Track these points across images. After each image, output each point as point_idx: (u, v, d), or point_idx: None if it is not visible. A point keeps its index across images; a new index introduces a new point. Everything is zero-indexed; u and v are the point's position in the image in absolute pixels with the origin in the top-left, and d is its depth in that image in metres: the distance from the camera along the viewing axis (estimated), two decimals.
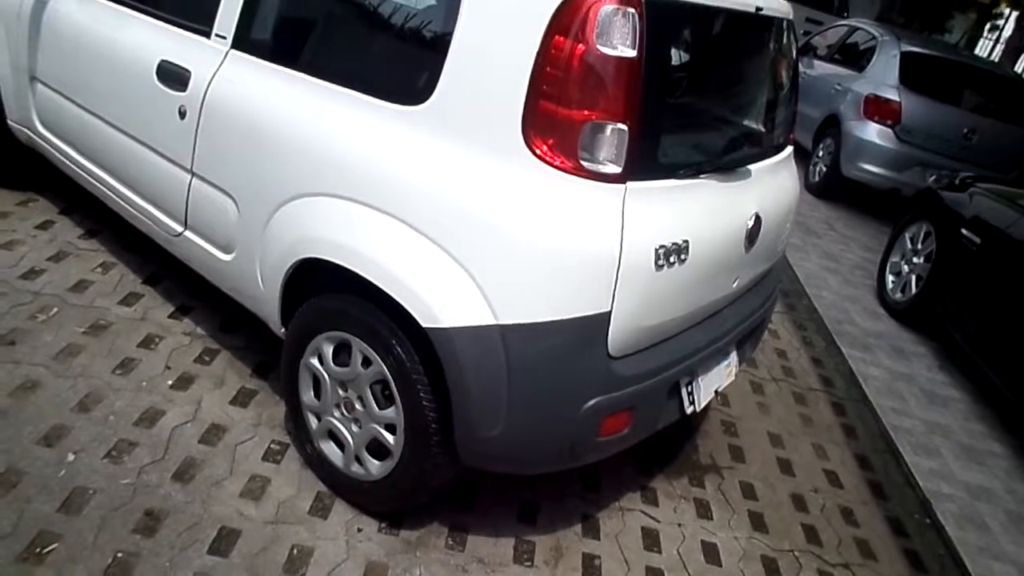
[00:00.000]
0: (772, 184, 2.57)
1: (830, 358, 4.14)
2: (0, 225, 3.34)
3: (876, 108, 6.68)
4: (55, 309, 2.89)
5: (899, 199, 6.47)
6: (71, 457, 2.28)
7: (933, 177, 5.14)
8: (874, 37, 7.47)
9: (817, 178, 7.21)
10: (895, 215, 5.29)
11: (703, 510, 2.75)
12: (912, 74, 6.79)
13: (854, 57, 7.54)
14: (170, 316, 3.01)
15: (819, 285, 5.02)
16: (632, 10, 1.85)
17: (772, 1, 2.47)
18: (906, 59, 6.87)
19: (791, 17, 2.65)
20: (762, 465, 3.09)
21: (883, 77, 6.86)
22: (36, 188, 3.65)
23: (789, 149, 2.82)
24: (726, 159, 2.36)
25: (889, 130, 6.65)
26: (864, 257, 5.82)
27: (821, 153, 7.24)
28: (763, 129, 2.62)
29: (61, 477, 2.21)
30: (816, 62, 8.01)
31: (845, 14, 11.96)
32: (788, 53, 2.70)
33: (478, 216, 1.91)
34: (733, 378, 2.66)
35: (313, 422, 2.38)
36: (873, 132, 6.66)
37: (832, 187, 7.04)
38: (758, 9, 2.34)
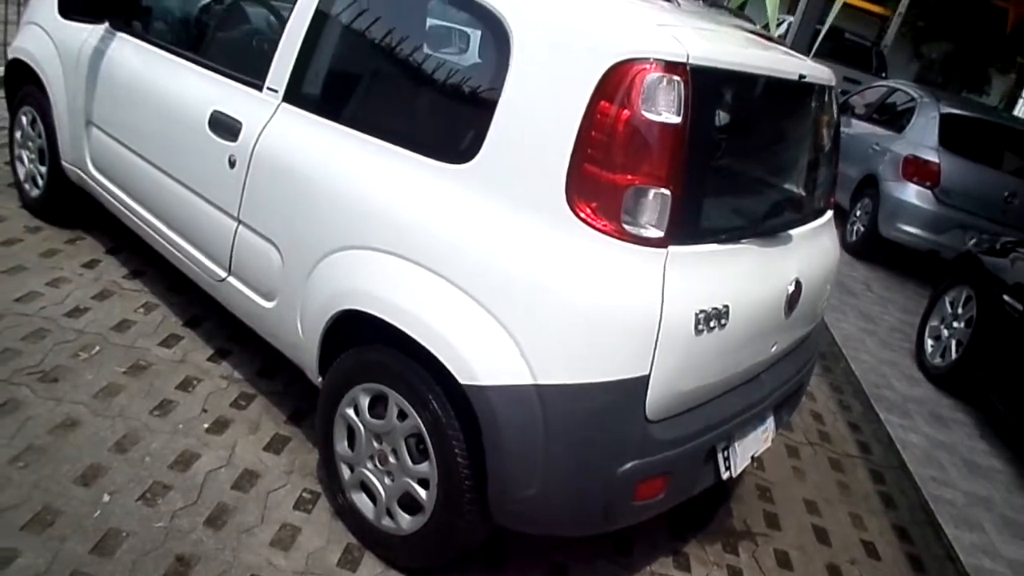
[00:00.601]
0: (813, 249, 2.56)
1: (868, 423, 4.07)
2: (49, 262, 3.43)
3: (915, 169, 6.65)
4: (97, 348, 2.94)
5: (938, 261, 6.40)
6: (107, 498, 2.30)
7: (973, 240, 5.08)
8: (913, 98, 7.47)
9: (855, 238, 7.16)
10: (934, 277, 5.23)
11: None
12: (952, 135, 6.76)
13: (893, 117, 7.53)
14: (209, 359, 3.05)
15: (857, 347, 4.95)
16: (677, 77, 1.88)
17: (815, 68, 2.49)
18: (945, 120, 6.85)
19: (833, 83, 2.67)
20: (797, 533, 3.02)
21: (922, 138, 6.84)
22: (84, 227, 3.75)
23: (829, 213, 2.82)
24: (767, 224, 2.36)
25: (928, 192, 6.60)
26: (902, 319, 5.73)
27: (859, 213, 7.19)
28: (804, 194, 2.62)
29: (96, 518, 2.23)
30: (854, 121, 8.01)
31: (884, 74, 12.01)
32: (830, 119, 2.71)
33: (519, 275, 1.92)
34: (770, 444, 2.62)
35: (346, 473, 2.38)
36: (912, 193, 6.62)
37: (870, 247, 6.98)
38: (801, 76, 2.36)
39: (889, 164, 6.86)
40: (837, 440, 3.81)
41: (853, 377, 4.50)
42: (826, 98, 2.64)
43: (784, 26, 10.61)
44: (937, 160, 6.58)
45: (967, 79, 16.06)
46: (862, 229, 7.08)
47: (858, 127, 7.84)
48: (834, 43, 10.65)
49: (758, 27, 6.72)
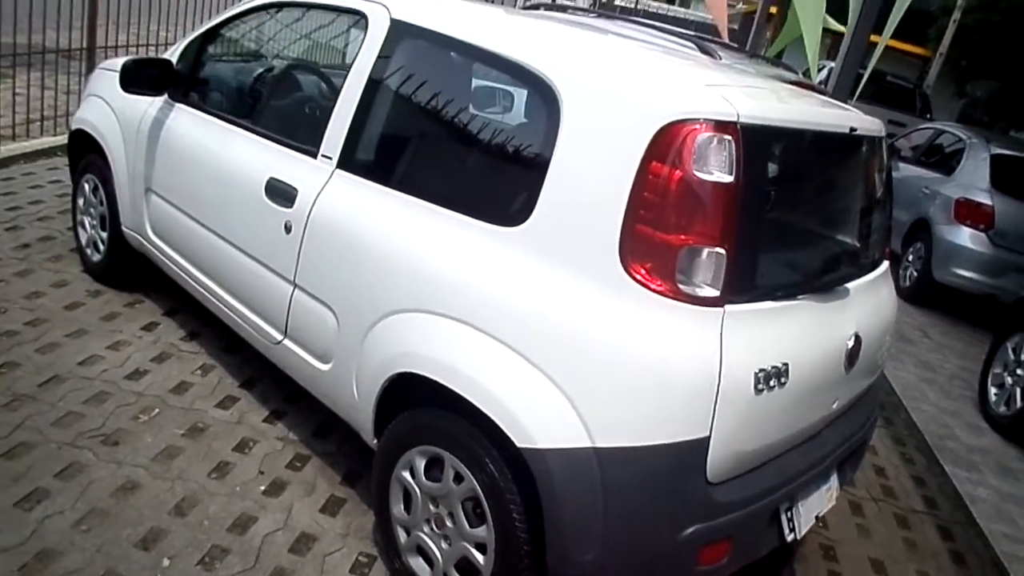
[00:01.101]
0: (871, 302, 2.52)
1: (933, 477, 3.93)
2: (109, 326, 3.52)
3: (968, 212, 6.53)
4: (156, 410, 3.00)
5: (996, 305, 6.23)
6: (166, 562, 2.32)
7: None
8: (961, 139, 7.38)
9: (908, 283, 7.02)
10: (993, 322, 5.08)
11: None
12: (1003, 176, 6.65)
13: (941, 160, 7.44)
14: (264, 420, 3.08)
15: (917, 397, 4.81)
16: (728, 136, 1.88)
17: (865, 120, 2.48)
18: (996, 161, 6.75)
19: (883, 134, 2.65)
20: None
21: (973, 180, 6.73)
22: (144, 290, 3.85)
23: (885, 264, 2.77)
24: (824, 279, 2.32)
25: (982, 234, 6.47)
26: (962, 366, 5.57)
27: (911, 257, 7.06)
28: (859, 246, 2.58)
29: None
30: (902, 164, 7.92)
31: (928, 116, 11.88)
32: (881, 170, 2.69)
33: (575, 337, 1.92)
34: (834, 503, 2.55)
35: (402, 536, 2.36)
36: (966, 236, 6.49)
37: (925, 292, 6.83)
38: (852, 129, 2.35)
39: (940, 207, 6.75)
40: (901, 495, 3.68)
41: (915, 428, 4.37)
42: (877, 149, 2.62)
43: (824, 72, 10.60)
44: (990, 202, 6.46)
45: (1014, 117, 15.78)
46: (915, 274, 6.95)
47: (906, 170, 7.75)
48: (876, 86, 10.60)
49: (799, 74, 6.73)
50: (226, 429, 2.98)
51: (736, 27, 12.70)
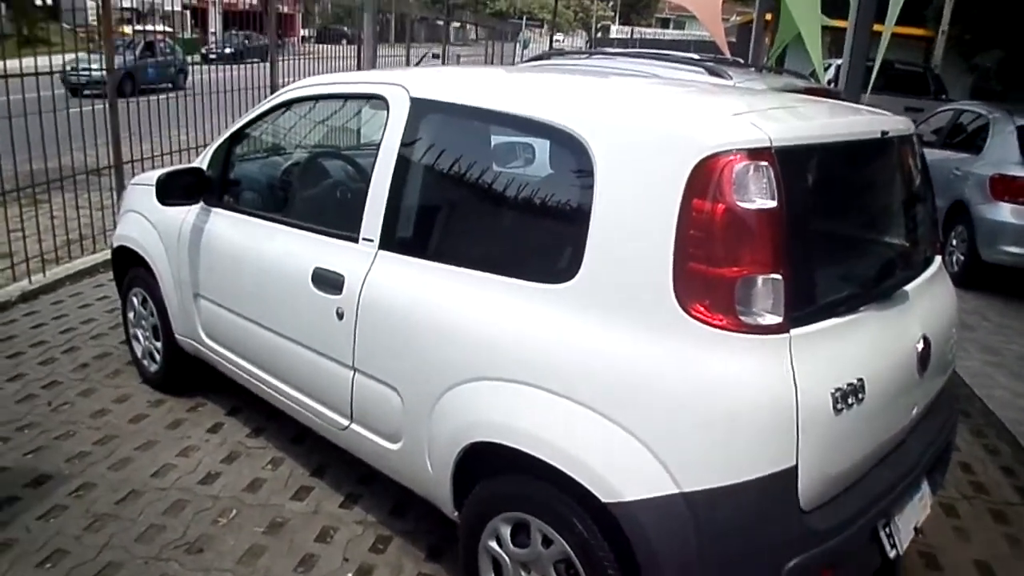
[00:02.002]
0: (932, 301, 2.48)
1: (1021, 465, 3.80)
2: (176, 433, 3.57)
3: (1004, 187, 6.43)
4: (234, 511, 3.02)
5: None
6: None
7: None
8: (983, 116, 7.29)
9: (956, 268, 6.88)
10: None
11: None
12: None
13: (967, 139, 7.35)
14: (341, 506, 3.09)
15: (988, 384, 4.69)
16: (764, 163, 1.88)
17: (895, 121, 2.47)
18: None
19: (913, 131, 2.63)
20: None
21: (1004, 155, 6.63)
22: (204, 392, 3.91)
23: (938, 259, 2.73)
24: (883, 286, 2.29)
25: (1023, 207, 6.35)
26: None
27: (955, 242, 6.94)
28: (911, 246, 2.55)
29: None
30: (927, 151, 7.81)
31: (944, 96, 11.77)
32: (917, 166, 2.66)
33: (646, 385, 1.90)
34: (929, 511, 2.48)
35: None
36: (1007, 212, 6.38)
37: (974, 275, 6.69)
38: (884, 133, 2.34)
39: (975, 187, 6.65)
40: (993, 489, 3.56)
41: (993, 417, 4.25)
42: (910, 147, 2.60)
43: (832, 70, 10.58)
44: None
45: None
46: (962, 258, 6.82)
47: (933, 155, 7.60)
48: (887, 75, 10.52)
49: (808, 78, 6.73)
50: (305, 520, 2.99)
51: (734, 39, 12.76)
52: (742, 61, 7.79)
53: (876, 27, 6.28)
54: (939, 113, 8.42)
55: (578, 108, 2.21)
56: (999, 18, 14.40)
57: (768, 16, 10.18)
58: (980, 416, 4.30)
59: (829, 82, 9.41)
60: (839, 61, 8.49)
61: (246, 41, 10.91)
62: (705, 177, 1.88)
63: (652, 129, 2.04)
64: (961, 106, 8.09)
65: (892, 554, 2.22)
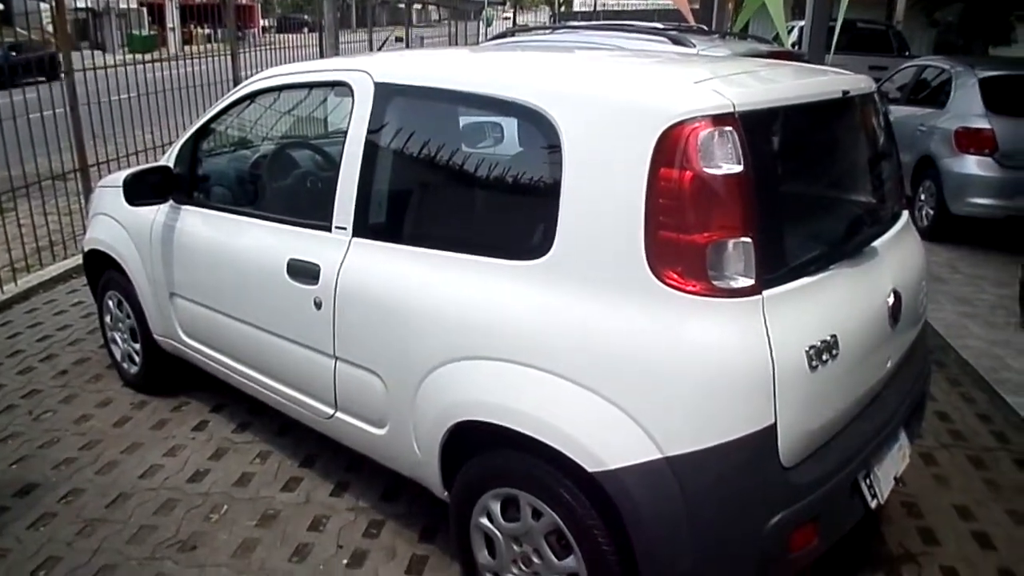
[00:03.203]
0: (900, 255, 2.52)
1: (996, 411, 3.89)
2: (161, 433, 3.57)
3: (969, 140, 6.51)
4: (225, 507, 3.03)
5: (1019, 225, 6.17)
6: None
7: None
8: (945, 70, 7.36)
9: (926, 222, 6.97)
10: (1020, 244, 5.03)
11: None
12: (996, 98, 6.63)
13: (931, 94, 7.42)
14: (331, 494, 3.10)
15: (961, 335, 4.77)
16: (729, 128, 1.90)
17: (855, 80, 2.49)
18: (986, 85, 6.73)
19: (874, 88, 2.66)
20: (958, 544, 2.87)
21: (968, 108, 6.71)
22: (186, 391, 3.90)
23: (905, 214, 2.78)
24: (852, 243, 2.33)
25: (988, 159, 6.45)
26: (1000, 295, 5.52)
27: (923, 196, 7.03)
28: (878, 202, 2.59)
29: None
30: (892, 107, 7.90)
31: (907, 53, 11.84)
32: (880, 123, 2.69)
33: (623, 354, 1.93)
34: (908, 460, 2.54)
35: None
36: (972, 164, 6.47)
37: (943, 228, 6.78)
38: (845, 92, 2.37)
39: (941, 141, 6.73)
40: (970, 436, 3.64)
41: (968, 366, 4.33)
42: (872, 104, 2.63)
43: (795, 32, 10.62)
44: (989, 126, 6.44)
45: (989, 35, 15.69)
46: (931, 212, 6.91)
47: (898, 112, 7.72)
48: (849, 35, 10.56)
49: (771, 41, 6.76)
50: (296, 511, 3.00)
51: (698, 6, 12.77)
52: (706, 28, 7.81)
53: None
54: (902, 70, 8.49)
55: (542, 84, 2.21)
56: None
57: None
58: (955, 366, 4.39)
59: (793, 45, 9.45)
60: (802, 23, 8.52)
61: (13, 54, 8.62)
62: (671, 146, 1.90)
63: (616, 101, 2.05)
64: (924, 62, 8.15)
65: (873, 504, 2.28)
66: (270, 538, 2.85)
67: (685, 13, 8.69)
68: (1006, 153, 6.37)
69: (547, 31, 6.35)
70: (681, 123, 1.90)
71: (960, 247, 6.76)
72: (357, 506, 3.03)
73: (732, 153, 1.89)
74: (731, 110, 1.91)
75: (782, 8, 6.54)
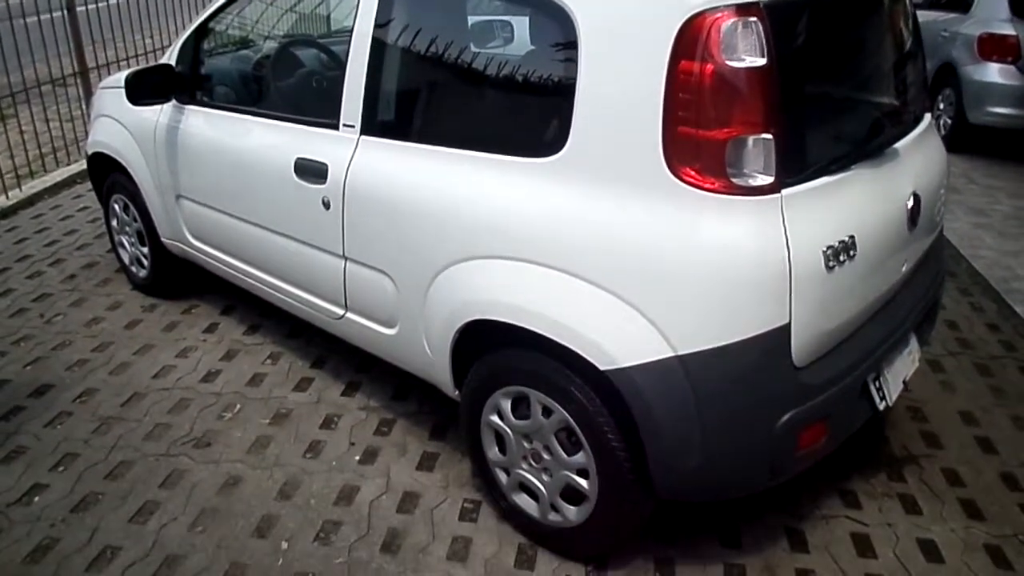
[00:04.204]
0: (921, 158, 2.46)
1: (1005, 320, 3.89)
2: (172, 335, 3.59)
3: (992, 47, 6.30)
4: (238, 406, 3.07)
5: None
6: (285, 545, 2.40)
7: None
8: None
9: (944, 131, 6.82)
10: None
11: (910, 505, 2.61)
12: (1023, 5, 6.37)
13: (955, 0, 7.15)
14: (343, 394, 3.15)
15: (974, 245, 4.73)
16: (753, 18, 1.82)
17: None
18: None
19: None
20: (961, 448, 2.91)
21: (993, 13, 6.47)
22: (197, 294, 3.91)
23: (928, 117, 2.70)
24: (873, 144, 2.27)
25: (1011, 67, 6.26)
26: (1015, 206, 5.45)
27: (942, 105, 6.86)
28: (901, 104, 2.51)
29: (280, 566, 2.33)
30: (917, 11, 7.62)
31: None
32: (908, 22, 2.59)
33: (638, 252, 1.90)
34: (918, 364, 2.54)
35: (503, 477, 2.42)
36: (994, 72, 6.28)
37: (961, 138, 6.64)
38: None
39: (963, 48, 6.52)
40: (978, 344, 3.65)
41: (979, 276, 4.31)
42: (901, 3, 2.52)
43: None
44: (1014, 32, 6.23)
45: None
46: (949, 121, 6.76)
47: (921, 16, 7.42)
48: None
49: None
50: (309, 410, 3.04)
51: None
52: None
53: None
54: None
55: None
56: None
57: None
58: (966, 276, 4.37)
59: None
60: None
61: None
62: (692, 37, 1.83)
63: None
64: None
65: (882, 406, 2.29)
66: (283, 435, 2.90)
67: None
68: None
69: None
70: (703, 13, 1.82)
71: (976, 158, 6.64)
72: (368, 405, 3.07)
73: (756, 45, 1.82)
74: (757, 0, 1.83)
75: None
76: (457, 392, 2.48)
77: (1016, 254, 4.64)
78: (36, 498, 2.58)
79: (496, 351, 2.29)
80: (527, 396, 2.23)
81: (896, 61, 2.52)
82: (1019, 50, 6.22)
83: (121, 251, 4.06)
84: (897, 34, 2.53)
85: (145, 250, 3.85)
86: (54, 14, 5.88)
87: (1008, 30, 6.27)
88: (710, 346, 1.88)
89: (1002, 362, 3.52)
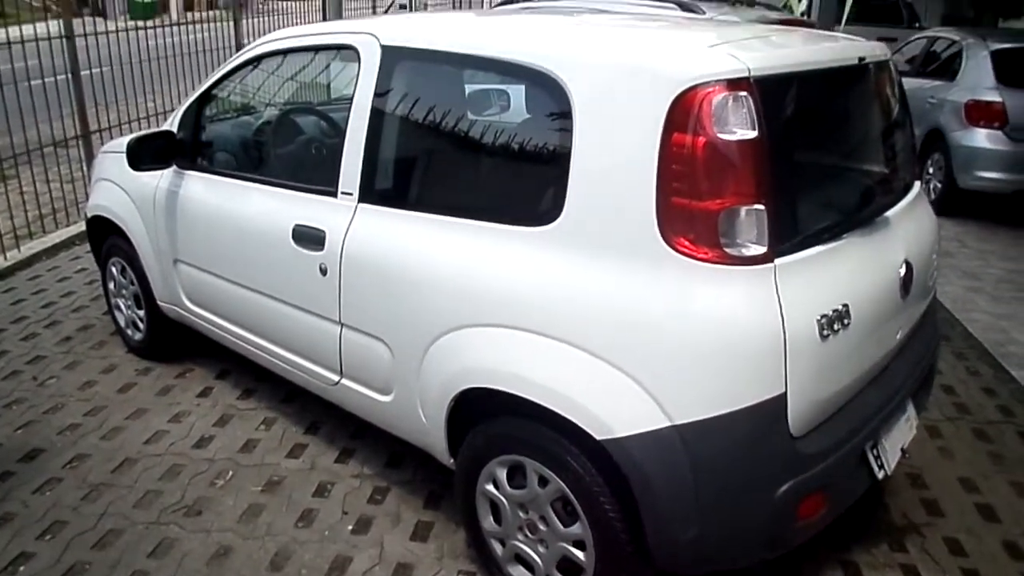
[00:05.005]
0: (913, 226, 2.50)
1: (1002, 384, 3.88)
2: (166, 399, 3.57)
3: (979, 113, 6.44)
4: (230, 472, 3.03)
5: None
6: None
7: None
8: (955, 42, 7.27)
9: (933, 195, 6.92)
10: None
11: None
12: (1007, 71, 6.56)
13: (941, 66, 7.33)
14: (336, 461, 3.11)
15: (968, 308, 4.75)
16: (743, 93, 1.87)
17: (871, 47, 2.45)
18: (998, 57, 6.65)
19: (889, 57, 2.61)
20: (962, 515, 2.88)
21: (978, 80, 6.63)
22: (190, 358, 3.90)
23: (918, 184, 2.75)
24: (864, 212, 2.30)
25: (998, 132, 6.39)
26: (1007, 269, 5.50)
27: (931, 169, 6.97)
28: (891, 172, 2.55)
29: None
30: (903, 79, 7.80)
31: (917, 24, 11.70)
32: (895, 91, 2.66)
33: (633, 321, 1.91)
34: (915, 432, 2.53)
35: (498, 548, 2.38)
36: (982, 138, 6.41)
37: (951, 202, 6.73)
38: (861, 59, 2.33)
39: (951, 114, 6.66)
40: (975, 409, 3.64)
41: (973, 340, 4.32)
42: (888, 73, 2.59)
43: (804, 2, 10.47)
44: (1000, 99, 6.37)
45: (1000, 8, 15.50)
46: (939, 185, 6.85)
47: (908, 84, 7.54)
48: (859, 6, 10.44)
49: (781, 10, 6.66)
50: (302, 477, 3.00)
51: None
52: None
53: None
54: (913, 41, 8.38)
55: (553, 47, 2.17)
56: None
57: None
58: (961, 340, 4.38)
59: (802, 14, 9.32)
60: None
61: None
62: (684, 110, 1.87)
63: (628, 65, 2.01)
64: (934, 33, 8.05)
65: (880, 475, 2.28)
66: (276, 504, 2.85)
67: None
68: (1016, 127, 6.31)
69: None
70: (695, 87, 1.86)
71: (967, 221, 6.71)
72: (362, 473, 3.04)
73: (747, 119, 1.86)
74: (746, 75, 1.88)
75: None
76: (452, 460, 2.45)
77: (1010, 317, 4.66)
78: (22, 567, 2.53)
79: (492, 419, 2.28)
80: (523, 465, 2.21)
81: (885, 130, 2.58)
82: (1005, 116, 6.35)
83: (117, 314, 4.06)
84: (884, 103, 2.59)
85: (141, 313, 3.85)
86: (58, 77, 5.98)
87: (994, 96, 6.42)
88: (707, 415, 1.87)
89: (1000, 427, 3.50)
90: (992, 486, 3.06)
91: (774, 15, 5.08)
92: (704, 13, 4.29)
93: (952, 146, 6.59)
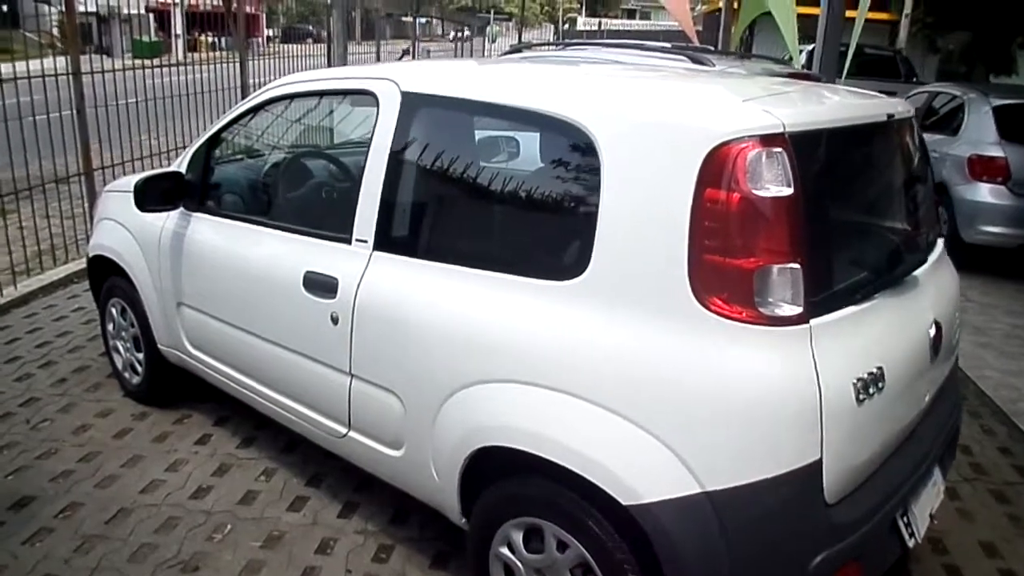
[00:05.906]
0: (939, 285, 2.45)
1: (1017, 444, 3.81)
2: (163, 447, 3.46)
3: (982, 168, 6.49)
4: (229, 526, 2.92)
5: None
6: None
7: None
8: (957, 97, 7.34)
9: None
10: None
11: None
12: (1010, 126, 6.62)
13: (943, 121, 7.39)
14: (339, 516, 3.00)
15: (978, 365, 4.70)
16: (779, 149, 1.83)
17: (897, 104, 2.43)
18: (1000, 113, 6.72)
19: (913, 112, 2.60)
20: None
21: (981, 135, 6.69)
22: (188, 403, 3.79)
23: (941, 242, 2.71)
24: (896, 272, 2.25)
25: (1001, 187, 6.43)
26: (1013, 324, 5.47)
27: None
28: (918, 230, 2.52)
29: None
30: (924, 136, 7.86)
31: (915, 79, 11.86)
32: (918, 149, 2.63)
33: (663, 382, 1.84)
34: (942, 496, 2.45)
35: None
36: (985, 192, 6.45)
37: (955, 256, 6.60)
38: (890, 116, 2.31)
39: (954, 168, 6.69)
40: (992, 470, 3.56)
41: (986, 398, 4.26)
42: (912, 129, 2.56)
43: (803, 56, 10.61)
44: (1002, 154, 6.43)
45: (991, 64, 15.78)
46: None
47: None
48: (858, 60, 10.58)
49: (785, 61, 6.71)
50: (303, 532, 2.89)
51: (701, 28, 12.82)
52: (712, 48, 7.78)
53: (848, 13, 6.31)
54: (913, 96, 8.47)
55: (581, 98, 2.13)
56: (961, 1, 14.58)
57: (736, 3, 10.22)
58: (974, 397, 4.31)
59: (802, 67, 9.42)
60: (811, 47, 8.51)
61: None
62: (718, 166, 1.82)
63: (660, 118, 1.97)
64: (936, 88, 8.15)
65: (911, 543, 2.19)
66: (276, 560, 2.74)
67: (690, 33, 8.66)
68: (1019, 181, 6.35)
69: (558, 47, 6.30)
70: (729, 143, 1.82)
71: (971, 276, 6.68)
72: (366, 529, 2.93)
73: (782, 175, 1.82)
74: (781, 130, 1.84)
75: (794, 27, 6.48)
76: (464, 520, 2.36)
77: (1020, 374, 4.60)
78: None
79: (509, 479, 2.19)
80: (541, 528, 2.12)
81: (912, 187, 2.55)
82: (1008, 171, 6.39)
83: (115, 356, 3.97)
84: (910, 159, 2.56)
85: (140, 356, 3.75)
86: (63, 112, 5.95)
87: (997, 152, 6.47)
88: (740, 482, 1.79)
89: (1017, 489, 3.42)
90: (1013, 550, 2.98)
91: (780, 68, 5.10)
92: (714, 66, 4.31)
93: (955, 200, 6.61)
